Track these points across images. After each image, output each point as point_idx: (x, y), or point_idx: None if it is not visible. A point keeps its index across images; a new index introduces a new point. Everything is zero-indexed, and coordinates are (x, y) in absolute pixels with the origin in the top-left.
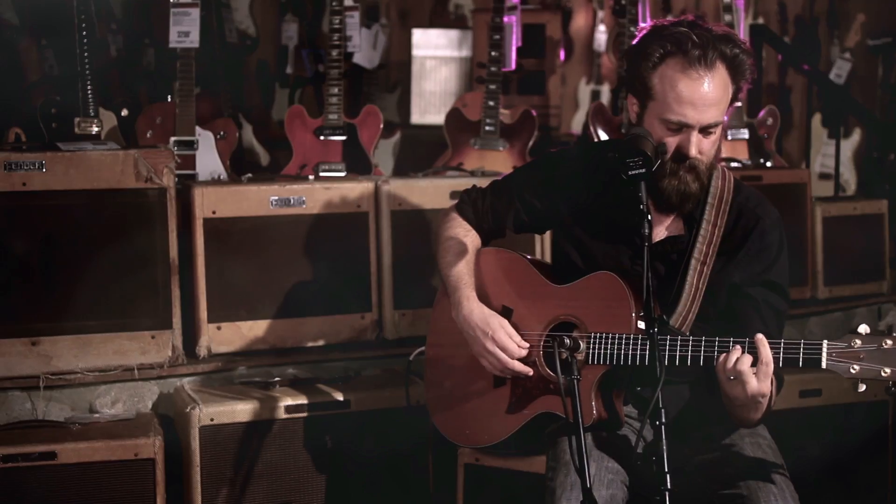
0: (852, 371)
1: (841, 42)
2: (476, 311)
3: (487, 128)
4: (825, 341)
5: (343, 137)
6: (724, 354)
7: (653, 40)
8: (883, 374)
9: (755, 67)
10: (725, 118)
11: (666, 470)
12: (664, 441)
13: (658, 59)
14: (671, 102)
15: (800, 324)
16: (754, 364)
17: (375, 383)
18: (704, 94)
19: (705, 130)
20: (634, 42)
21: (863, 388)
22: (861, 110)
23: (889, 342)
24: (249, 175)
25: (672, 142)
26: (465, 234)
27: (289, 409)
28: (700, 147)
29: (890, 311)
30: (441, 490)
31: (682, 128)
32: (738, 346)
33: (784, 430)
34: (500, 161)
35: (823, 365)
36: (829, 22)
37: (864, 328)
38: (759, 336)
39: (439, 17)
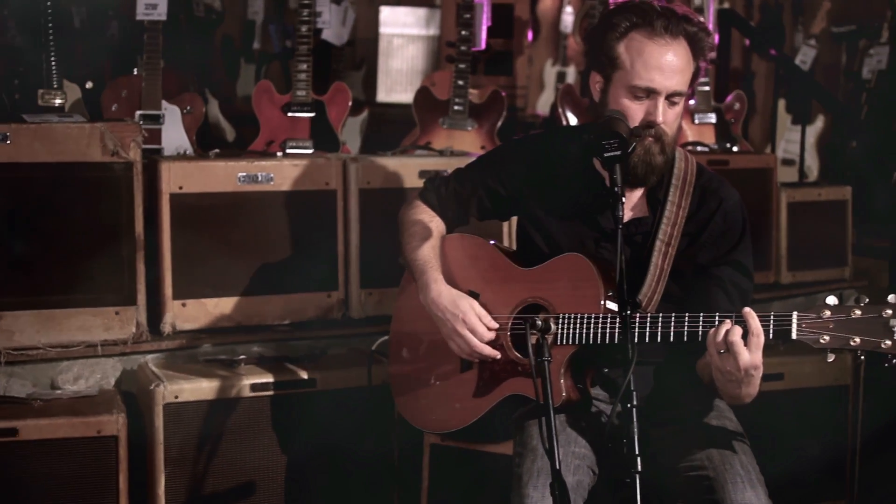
0: (822, 341)
1: (806, 29)
2: (445, 293)
3: (456, 107)
4: (795, 312)
5: (311, 114)
6: (715, 328)
7: (618, 13)
8: (852, 343)
9: (714, 47)
10: (691, 99)
11: (637, 452)
12: (635, 423)
13: (624, 29)
14: (639, 69)
15: (763, 308)
16: (744, 336)
17: (341, 362)
18: (671, 60)
19: (670, 100)
20: (599, 19)
21: (832, 357)
22: (827, 96)
23: (858, 312)
24: (217, 151)
25: (639, 110)
26: (430, 220)
27: (254, 387)
28: (665, 116)
29: (852, 296)
30: (406, 471)
31: (649, 94)
32: (727, 320)
33: (746, 413)
34: (469, 141)
35: (793, 336)
36: (794, 8)
37: (832, 299)
38: (747, 309)
39: None
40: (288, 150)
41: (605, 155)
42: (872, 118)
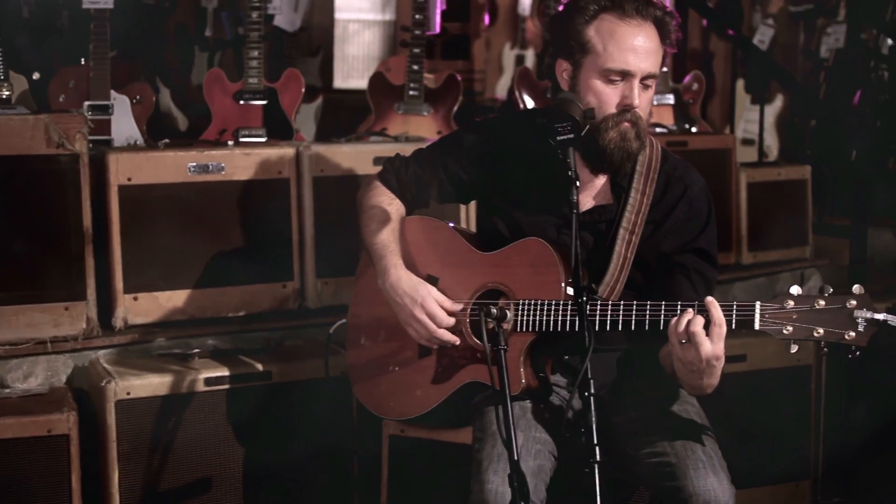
0: (785, 332)
1: (763, 8)
2: (404, 278)
3: (411, 92)
4: (758, 302)
5: (263, 102)
6: (676, 317)
7: None
8: (816, 334)
9: (679, 31)
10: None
11: (595, 442)
12: (593, 412)
13: (593, 12)
14: (612, 51)
15: (724, 289)
16: (706, 326)
17: (297, 354)
18: (644, 41)
19: (644, 83)
20: (564, 4)
21: (795, 348)
22: (785, 76)
23: (821, 302)
24: (166, 140)
25: (613, 94)
26: (389, 202)
27: (208, 381)
28: (640, 99)
29: (813, 275)
30: (366, 462)
31: (624, 77)
32: (689, 309)
33: (709, 396)
34: (425, 126)
35: (756, 326)
36: None
37: (795, 289)
38: (710, 298)
39: None
40: (240, 139)
41: (558, 138)
42: (831, 96)
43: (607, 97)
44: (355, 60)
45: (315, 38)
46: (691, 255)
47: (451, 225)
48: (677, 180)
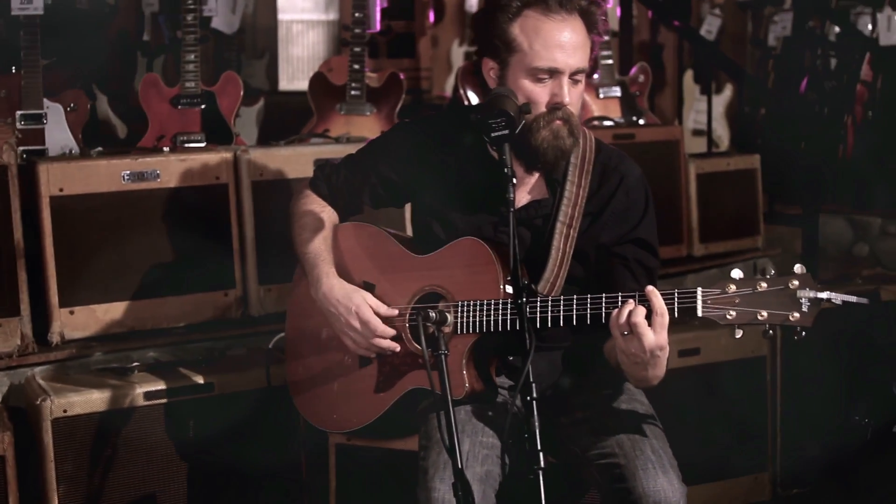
0: (728, 317)
1: None
2: (337, 287)
3: (353, 92)
4: (699, 288)
5: (201, 106)
6: (617, 309)
7: None
8: (759, 317)
9: (606, 22)
10: (590, 76)
11: (539, 448)
12: (536, 417)
13: (516, 9)
14: (539, 50)
15: (676, 282)
16: (648, 316)
17: (240, 364)
18: (570, 36)
19: (573, 79)
20: (486, 2)
21: (740, 333)
22: (732, 65)
23: (763, 285)
24: (99, 149)
25: (543, 92)
26: (321, 210)
27: (147, 395)
28: (570, 95)
29: (766, 265)
30: (313, 472)
31: (552, 75)
32: (630, 300)
33: (662, 391)
34: (368, 126)
35: (699, 313)
36: None
37: (737, 273)
38: (650, 287)
39: None
40: (179, 145)
41: (493, 134)
42: (779, 85)
43: (537, 96)
44: (300, 62)
45: (260, 41)
46: (631, 245)
47: (387, 230)
48: (613, 170)
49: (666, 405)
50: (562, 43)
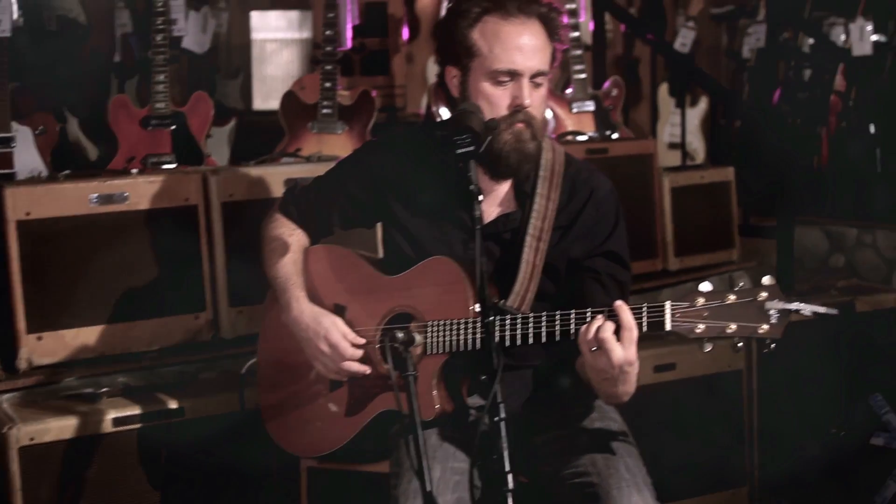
0: (697, 330)
1: (685, 11)
2: (307, 311)
3: (325, 110)
4: (668, 302)
5: (171, 127)
6: (585, 325)
7: (468, 0)
8: (728, 330)
9: (567, 28)
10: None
11: (508, 469)
12: (504, 438)
13: (476, 15)
14: (498, 52)
15: (652, 297)
16: (617, 332)
17: (212, 387)
18: (529, 39)
19: (534, 81)
20: (446, 10)
21: (709, 347)
22: (705, 78)
23: (732, 297)
24: (67, 172)
25: (503, 96)
26: (291, 233)
27: (117, 421)
28: (532, 98)
29: (741, 278)
30: (285, 496)
31: (512, 77)
32: (598, 316)
33: (640, 407)
34: (340, 144)
35: (668, 327)
36: None
37: (706, 286)
38: (619, 302)
39: None
40: (150, 167)
41: (458, 151)
42: (754, 97)
43: (497, 99)
44: (274, 81)
45: (234, 60)
46: (602, 258)
47: (359, 252)
48: (583, 184)
49: (642, 421)
50: (520, 45)
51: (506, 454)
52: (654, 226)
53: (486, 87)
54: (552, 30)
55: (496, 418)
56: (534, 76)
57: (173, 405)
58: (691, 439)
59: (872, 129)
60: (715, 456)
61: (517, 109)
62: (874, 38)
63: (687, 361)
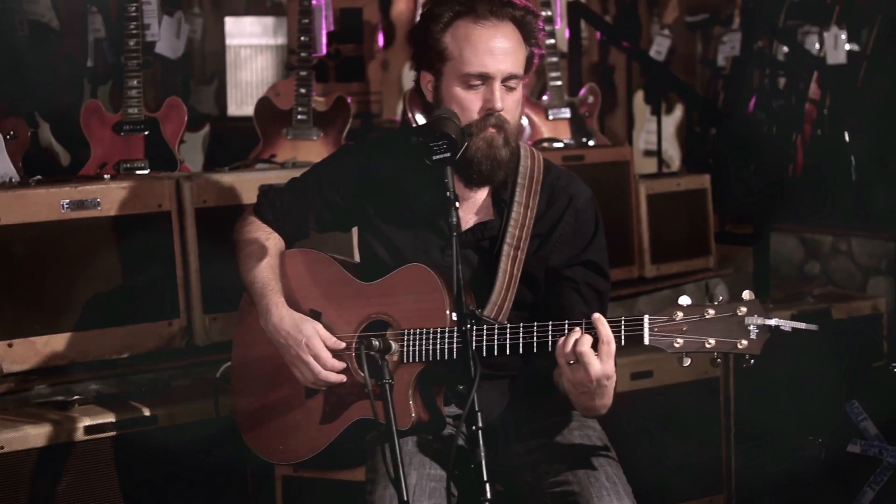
0: (676, 345)
1: (660, 19)
2: (286, 317)
3: (300, 117)
4: (646, 316)
5: (144, 133)
6: (563, 337)
7: (439, 4)
8: (707, 345)
9: (543, 32)
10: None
11: (485, 479)
12: (482, 448)
13: (448, 19)
14: (468, 56)
15: (629, 304)
16: (595, 345)
17: (185, 395)
18: (500, 42)
19: (507, 85)
20: (420, 15)
21: (688, 361)
22: (681, 86)
23: (711, 312)
24: (38, 177)
25: (475, 99)
26: (266, 237)
27: (89, 429)
28: (504, 102)
29: (718, 285)
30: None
31: (484, 81)
32: (576, 328)
33: (618, 415)
34: (315, 151)
35: (646, 341)
36: (648, 0)
37: (684, 299)
38: (597, 315)
39: (255, 5)
40: (122, 172)
41: (435, 158)
42: (729, 104)
43: (469, 103)
44: (249, 86)
45: (208, 66)
46: (581, 268)
47: (336, 257)
48: (562, 191)
49: (620, 429)
50: (491, 48)
51: (483, 463)
52: (630, 233)
53: (458, 91)
54: (527, 33)
55: (474, 427)
56: (506, 80)
57: (146, 413)
58: (669, 446)
59: (847, 137)
60: (692, 463)
61: (489, 113)
62: (848, 46)
63: (664, 369)
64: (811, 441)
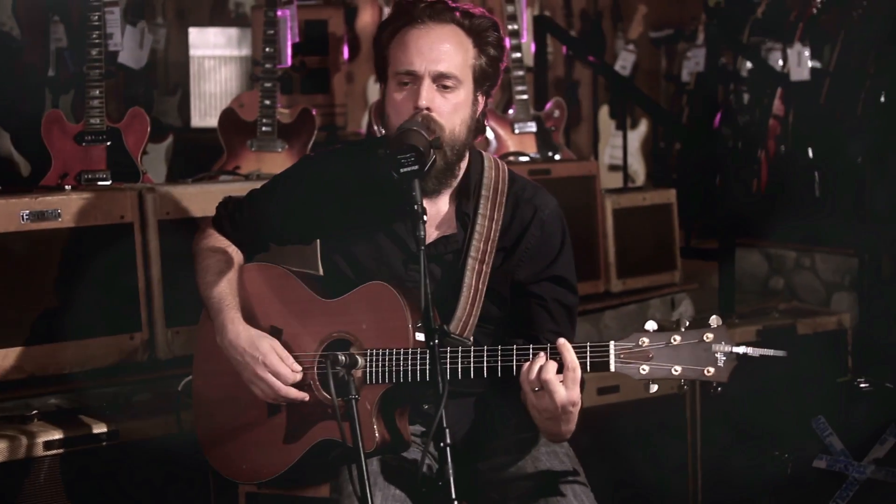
0: (642, 372)
1: (625, 34)
2: (243, 334)
3: (264, 128)
4: (612, 342)
5: (106, 143)
6: (527, 363)
7: (390, 17)
8: (674, 372)
9: (501, 39)
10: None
11: (453, 497)
12: (450, 465)
13: (393, 29)
14: (399, 54)
15: (595, 319)
16: (560, 371)
17: (147, 409)
18: (431, 42)
19: (440, 84)
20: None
21: (655, 388)
22: (646, 101)
23: (677, 338)
24: None
25: (406, 99)
26: (225, 250)
27: (47, 444)
28: (432, 101)
29: (683, 300)
30: None
31: (413, 79)
32: (541, 354)
33: (583, 429)
34: (279, 163)
35: (612, 368)
36: (612, 15)
37: (651, 325)
38: (561, 340)
39: (219, 16)
40: (84, 183)
41: (402, 171)
42: (693, 119)
43: (400, 103)
44: (213, 98)
45: (172, 77)
46: (548, 283)
47: (296, 271)
48: (527, 202)
49: (586, 444)
50: (420, 46)
51: (452, 480)
52: (596, 247)
53: (392, 92)
54: (479, 38)
55: (442, 444)
56: (438, 79)
57: (108, 428)
58: (634, 462)
59: (811, 153)
60: (658, 479)
61: (415, 112)
62: (811, 63)
63: (630, 384)
64: (777, 456)
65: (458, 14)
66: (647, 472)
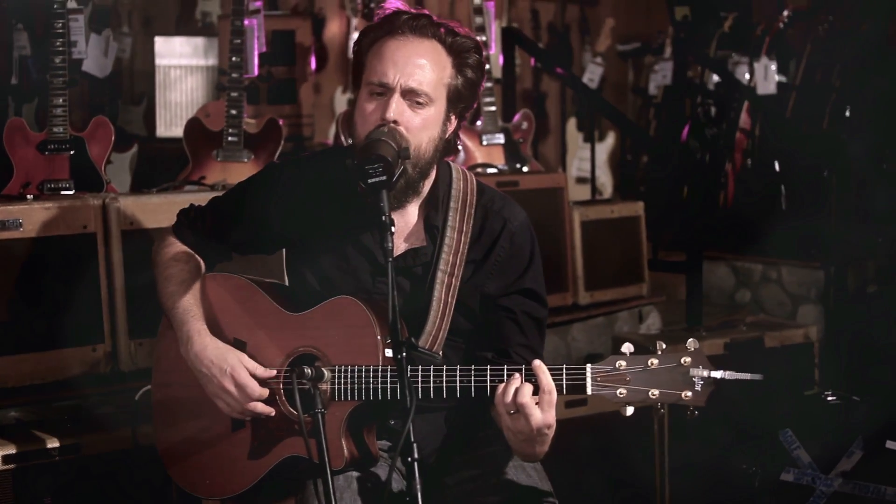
0: (619, 395)
1: (592, 47)
2: (210, 346)
3: (230, 138)
4: (589, 365)
5: (70, 152)
6: (503, 386)
7: (370, 27)
8: (651, 395)
9: (483, 58)
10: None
11: None
12: (417, 480)
13: (372, 39)
14: (374, 64)
15: (563, 331)
16: (535, 393)
17: (109, 422)
18: (408, 54)
19: (412, 100)
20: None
21: (630, 411)
22: (614, 113)
23: (654, 361)
24: None
25: (375, 110)
26: (187, 259)
27: (6, 459)
28: (401, 114)
29: (651, 312)
30: None
31: (384, 91)
32: (516, 375)
33: (552, 442)
34: (245, 173)
35: (589, 391)
36: (580, 28)
37: (627, 347)
38: (537, 363)
39: (186, 25)
40: (46, 192)
41: (370, 181)
42: (660, 132)
43: (369, 113)
44: (178, 107)
45: (137, 86)
46: (518, 296)
47: (260, 282)
48: (496, 214)
49: (554, 458)
50: (395, 58)
51: (419, 496)
52: (564, 260)
53: (362, 101)
54: (458, 56)
55: (409, 458)
56: (408, 94)
57: (69, 441)
58: (603, 475)
59: (777, 166)
60: (626, 492)
61: (381, 124)
62: (777, 77)
63: (599, 396)
64: (745, 469)
65: (441, 31)
66: (615, 485)
